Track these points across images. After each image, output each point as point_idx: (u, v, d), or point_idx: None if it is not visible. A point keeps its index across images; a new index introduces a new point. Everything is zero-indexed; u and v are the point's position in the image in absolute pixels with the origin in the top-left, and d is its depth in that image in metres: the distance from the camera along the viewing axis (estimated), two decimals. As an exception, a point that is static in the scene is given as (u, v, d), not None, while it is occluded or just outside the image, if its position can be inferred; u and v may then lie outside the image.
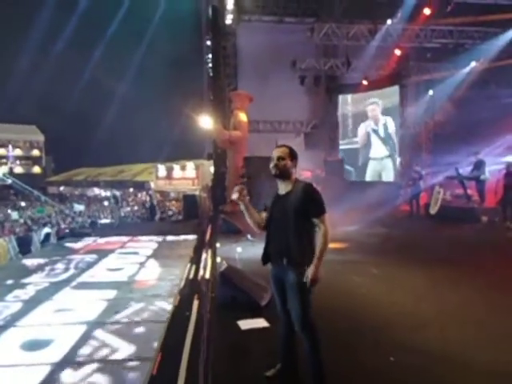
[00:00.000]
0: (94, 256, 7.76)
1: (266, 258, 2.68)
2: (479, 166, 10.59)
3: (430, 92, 14.86)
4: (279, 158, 2.59)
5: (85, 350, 3.55)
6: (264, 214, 2.71)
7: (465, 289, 4.79)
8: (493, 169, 10.54)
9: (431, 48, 14.84)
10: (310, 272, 2.43)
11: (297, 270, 2.48)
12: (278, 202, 2.64)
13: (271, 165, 2.60)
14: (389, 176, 14.37)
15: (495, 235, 8.53)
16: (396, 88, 14.11)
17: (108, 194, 13.76)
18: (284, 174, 2.60)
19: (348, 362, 3.00)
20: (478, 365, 2.95)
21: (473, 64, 13.88)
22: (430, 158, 13.32)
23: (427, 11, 13.27)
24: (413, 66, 15.17)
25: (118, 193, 14.04)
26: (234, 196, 2.65)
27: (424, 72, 15.11)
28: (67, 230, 13.62)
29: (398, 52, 14.51)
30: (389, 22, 13.97)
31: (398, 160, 14.03)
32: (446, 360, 3.05)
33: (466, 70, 13.97)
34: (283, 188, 2.63)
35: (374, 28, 14.17)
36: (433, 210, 10.69)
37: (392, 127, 14.27)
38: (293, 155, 2.63)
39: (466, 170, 11.11)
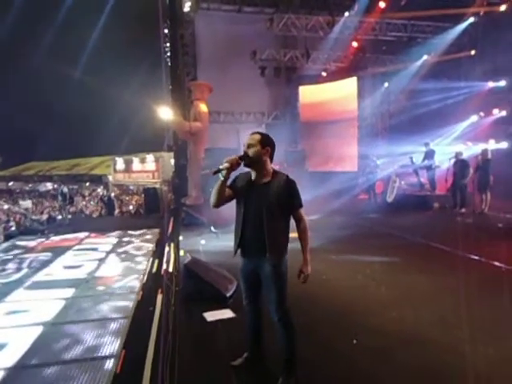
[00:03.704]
0: (49, 254, 7.39)
1: (240, 248, 2.59)
2: (430, 155, 11.18)
3: (386, 84, 15.38)
4: (249, 146, 2.51)
5: (41, 353, 3.38)
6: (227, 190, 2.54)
7: (417, 272, 5.06)
8: (442, 158, 11.14)
9: (387, 41, 15.29)
10: (304, 269, 2.51)
11: (273, 260, 2.48)
12: (252, 190, 2.53)
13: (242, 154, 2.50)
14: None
15: (446, 220, 9.07)
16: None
17: (63, 189, 13.01)
18: (254, 162, 2.50)
19: (313, 346, 3.07)
20: (432, 344, 3.12)
21: (425, 57, 14.48)
22: (386, 147, 13.82)
23: (382, 4, 13.64)
24: (369, 58, 15.59)
25: (65, 189, 13.24)
26: (226, 165, 2.41)
27: (380, 64, 15.57)
28: (13, 228, 12.79)
29: (355, 44, 14.85)
30: (346, 14, 14.23)
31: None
32: (403, 340, 3.21)
33: (419, 62, 14.55)
34: (259, 177, 2.53)
35: (331, 20, 14.36)
36: (389, 199, 11.16)
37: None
38: (265, 142, 2.52)
39: (417, 159, 11.70)
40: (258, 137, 2.53)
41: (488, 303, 3.78)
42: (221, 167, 2.44)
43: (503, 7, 12.52)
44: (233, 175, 2.58)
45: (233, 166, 2.43)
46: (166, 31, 14.41)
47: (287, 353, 2.54)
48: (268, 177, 2.53)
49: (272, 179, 2.52)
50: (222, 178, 2.45)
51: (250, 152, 2.50)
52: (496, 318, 3.50)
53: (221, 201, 2.54)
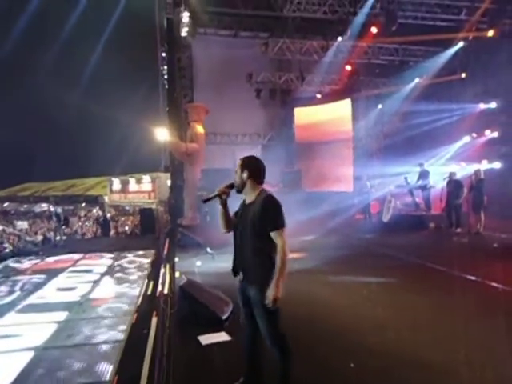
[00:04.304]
0: (43, 276, 7.28)
1: (235, 269, 2.62)
2: (425, 175, 11.30)
3: (379, 106, 15.68)
4: (235, 172, 2.62)
5: (32, 379, 3.30)
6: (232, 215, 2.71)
7: (414, 292, 5.04)
8: (437, 178, 11.27)
9: (379, 64, 15.68)
10: (270, 292, 2.36)
11: (257, 285, 2.44)
12: (242, 211, 2.62)
13: None
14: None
15: (442, 240, 9.08)
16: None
17: (57, 210, 12.91)
18: (241, 187, 2.60)
19: (309, 364, 3.03)
20: (431, 364, 3.08)
21: (417, 80, 14.85)
22: (381, 168, 13.96)
23: (374, 29, 14.06)
24: (363, 80, 15.94)
25: (59, 209, 13.13)
26: (214, 193, 2.60)
27: (373, 86, 15.93)
28: (7, 250, 12.58)
29: (348, 67, 15.20)
30: (339, 39, 14.63)
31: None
32: (402, 361, 3.17)
33: (411, 85, 14.90)
34: (247, 199, 2.62)
35: (325, 44, 14.76)
36: (385, 219, 11.18)
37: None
38: (245, 165, 2.58)
39: (412, 179, 11.83)
40: (239, 162, 2.62)
41: (486, 324, 3.76)
42: (210, 196, 2.62)
43: (491, 32, 12.95)
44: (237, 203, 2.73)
45: (221, 195, 2.59)
46: (164, 55, 14.73)
47: (281, 374, 2.50)
48: (253, 197, 2.56)
49: (255, 199, 2.54)
50: (221, 202, 2.60)
51: (236, 178, 2.61)
52: (494, 340, 3.47)
53: (227, 226, 2.68)
